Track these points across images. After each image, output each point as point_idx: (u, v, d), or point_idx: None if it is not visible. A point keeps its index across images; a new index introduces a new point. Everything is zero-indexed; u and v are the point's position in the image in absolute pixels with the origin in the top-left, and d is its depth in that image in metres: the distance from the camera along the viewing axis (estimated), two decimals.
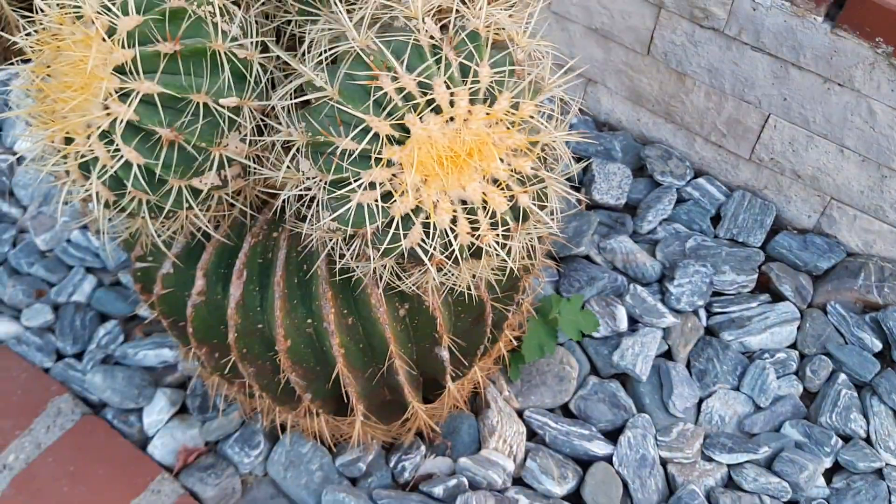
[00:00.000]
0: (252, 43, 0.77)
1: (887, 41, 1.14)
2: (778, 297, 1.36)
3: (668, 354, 1.30)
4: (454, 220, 0.75)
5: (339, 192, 0.73)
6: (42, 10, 0.81)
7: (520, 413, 1.21)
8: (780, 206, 1.43)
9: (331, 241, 0.79)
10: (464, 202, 0.75)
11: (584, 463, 1.18)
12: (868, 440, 1.22)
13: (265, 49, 0.80)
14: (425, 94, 0.70)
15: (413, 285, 0.82)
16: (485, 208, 0.75)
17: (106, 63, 0.75)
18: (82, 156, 0.78)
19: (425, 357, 0.95)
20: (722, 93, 1.36)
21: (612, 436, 1.21)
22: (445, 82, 0.70)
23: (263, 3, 0.81)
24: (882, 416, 1.23)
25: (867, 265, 1.36)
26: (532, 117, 0.75)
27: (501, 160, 0.74)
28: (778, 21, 1.22)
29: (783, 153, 1.36)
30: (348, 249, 0.80)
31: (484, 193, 0.75)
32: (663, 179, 1.46)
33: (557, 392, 1.23)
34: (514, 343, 1.15)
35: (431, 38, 0.72)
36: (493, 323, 0.96)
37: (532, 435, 1.20)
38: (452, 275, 0.79)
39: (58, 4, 0.80)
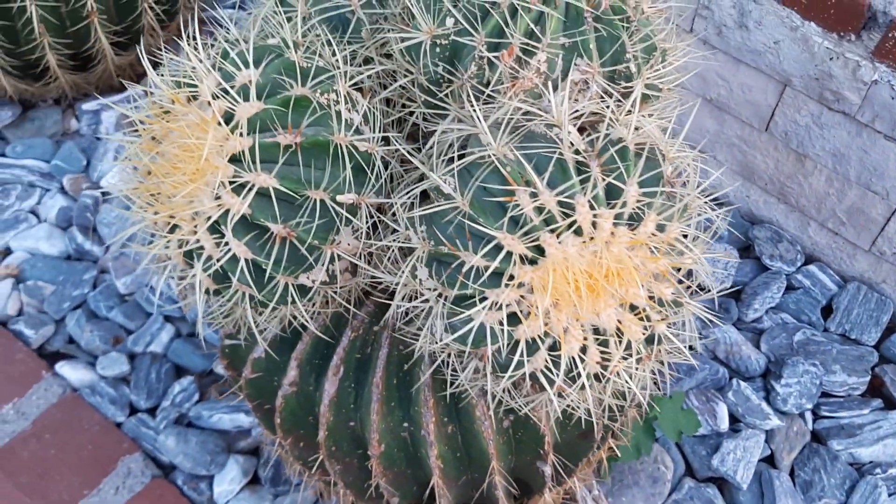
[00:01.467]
0: (374, 136, 0.71)
1: None
2: (892, 404, 1.25)
3: (770, 459, 1.20)
4: (584, 349, 0.68)
5: (460, 310, 0.66)
6: (155, 85, 0.76)
7: None
8: None
9: (442, 352, 0.73)
10: (595, 328, 0.68)
11: None
12: None
13: (386, 141, 0.74)
14: (566, 214, 0.63)
15: (525, 405, 0.75)
16: (618, 336, 0.68)
17: (220, 150, 0.70)
18: (186, 243, 0.73)
19: (524, 468, 0.88)
20: (846, 179, 1.26)
21: None
22: (590, 202, 0.64)
23: (386, 89, 0.76)
24: None
25: None
26: (677, 239, 0.68)
27: (642, 286, 0.67)
28: None
29: None
30: (461, 365, 0.74)
31: (619, 321, 0.68)
32: (772, 264, 1.36)
33: (650, 494, 1.15)
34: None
35: (576, 151, 0.66)
36: (600, 437, 0.88)
37: None
38: (572, 399, 0.72)
39: (174, 81, 0.76)
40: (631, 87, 0.71)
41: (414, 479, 0.88)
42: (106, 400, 1.18)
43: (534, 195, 0.63)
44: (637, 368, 0.70)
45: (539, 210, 0.64)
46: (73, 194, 1.40)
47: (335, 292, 0.75)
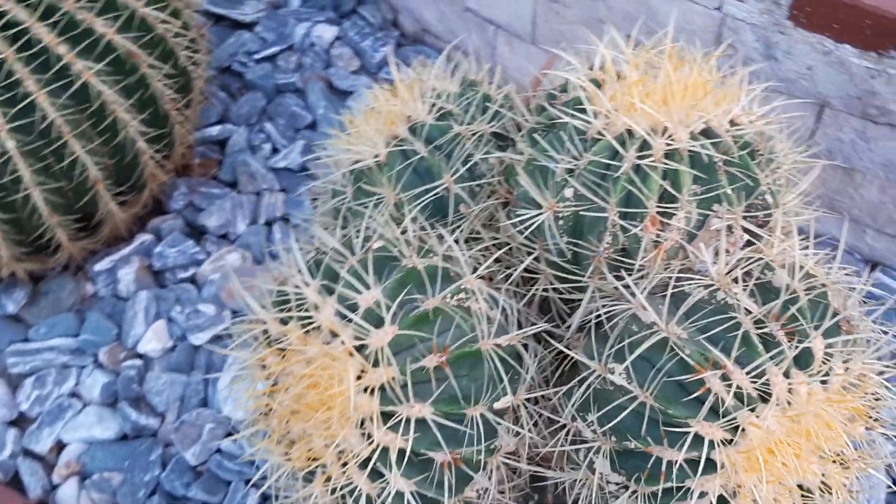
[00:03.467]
0: (520, 332, 0.66)
1: None
2: None
3: None
4: None
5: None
6: (262, 320, 0.70)
7: None
8: None
9: None
10: (800, 486, 0.64)
11: None
12: None
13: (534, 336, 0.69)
14: (763, 391, 0.59)
15: None
16: (823, 490, 0.64)
17: (358, 383, 0.64)
18: (336, 488, 0.67)
19: None
20: None
21: None
22: (786, 373, 0.59)
23: (508, 268, 0.70)
24: None
25: None
26: (863, 375, 0.64)
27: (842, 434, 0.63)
28: None
29: None
30: None
31: (823, 475, 0.63)
32: None
33: None
34: None
35: (748, 312, 0.61)
36: None
37: None
38: None
39: (277, 309, 0.70)
40: (771, 218, 0.67)
41: None
42: None
43: (725, 378, 0.59)
44: None
45: (729, 389, 0.59)
46: (112, 367, 1.32)
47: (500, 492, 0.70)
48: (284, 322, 0.68)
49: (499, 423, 0.65)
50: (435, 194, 0.72)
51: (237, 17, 1.74)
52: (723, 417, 0.59)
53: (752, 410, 0.59)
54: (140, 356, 1.33)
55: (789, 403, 0.60)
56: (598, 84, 0.68)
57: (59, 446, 1.27)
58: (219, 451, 1.23)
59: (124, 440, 1.27)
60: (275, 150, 1.57)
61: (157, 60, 1.26)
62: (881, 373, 0.65)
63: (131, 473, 1.21)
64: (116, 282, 1.40)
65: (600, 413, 0.63)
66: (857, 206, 1.31)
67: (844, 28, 1.12)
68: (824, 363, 0.61)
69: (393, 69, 0.81)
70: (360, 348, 0.64)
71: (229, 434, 1.24)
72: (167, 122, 1.31)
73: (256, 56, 1.68)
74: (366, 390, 0.64)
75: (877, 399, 0.66)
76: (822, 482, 0.64)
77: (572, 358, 0.68)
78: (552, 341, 0.67)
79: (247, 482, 1.21)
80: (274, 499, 0.76)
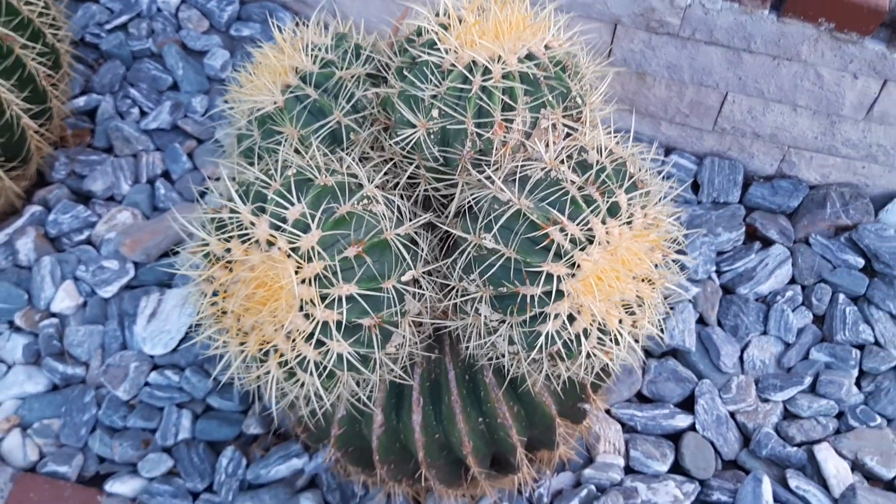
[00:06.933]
0: (413, 223, 0.88)
1: (829, 19, 1.34)
2: (767, 242, 1.58)
3: (700, 320, 1.50)
4: (620, 321, 0.89)
5: (532, 329, 0.86)
6: (203, 239, 0.87)
7: (608, 411, 1.39)
8: (745, 162, 1.65)
9: (513, 360, 0.92)
10: (623, 303, 0.90)
11: (674, 436, 1.39)
12: (878, 343, 1.47)
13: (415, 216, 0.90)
14: (589, 235, 0.84)
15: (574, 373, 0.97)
16: (638, 303, 0.90)
17: (297, 276, 0.84)
18: (286, 362, 0.87)
19: (568, 412, 1.11)
20: (682, 83, 1.54)
21: (684, 405, 1.41)
22: (602, 220, 0.84)
23: (397, 175, 0.91)
24: (883, 321, 1.48)
25: (829, 194, 1.59)
26: (656, 217, 0.90)
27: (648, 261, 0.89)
28: (728, 19, 1.39)
29: (743, 121, 1.56)
30: (517, 363, 0.94)
31: (637, 292, 0.90)
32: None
33: (630, 384, 1.42)
34: None
35: (572, 182, 0.85)
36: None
37: (623, 426, 1.39)
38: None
39: (218, 230, 0.87)
40: (582, 115, 0.91)
41: (489, 455, 1.09)
42: (167, 496, 1.29)
43: (563, 230, 0.83)
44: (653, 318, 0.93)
45: (566, 237, 0.84)
46: (29, 329, 1.43)
47: (417, 345, 0.92)
48: (227, 241, 0.86)
49: (406, 291, 0.87)
50: (329, 127, 0.92)
51: None
52: (563, 258, 0.83)
53: (583, 250, 0.83)
54: (55, 315, 1.45)
55: (608, 242, 0.85)
56: (445, 27, 0.89)
57: None
58: (147, 384, 1.39)
59: (56, 391, 1.40)
60: (143, 113, 1.69)
61: (29, 41, 1.35)
62: (671, 215, 0.91)
63: (70, 417, 1.35)
64: (16, 253, 1.49)
65: (479, 270, 0.86)
66: (652, 103, 1.60)
67: None
68: (628, 211, 0.87)
69: (275, 31, 0.98)
70: (294, 250, 0.83)
71: (154, 368, 1.40)
72: (46, 98, 1.41)
73: (108, 26, 1.77)
74: (304, 281, 0.83)
75: (668, 234, 0.93)
76: (638, 297, 0.90)
77: (453, 236, 0.90)
78: (438, 224, 0.89)
79: (178, 406, 1.38)
80: (237, 381, 0.94)
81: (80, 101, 1.67)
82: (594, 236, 0.84)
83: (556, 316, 0.85)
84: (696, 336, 1.46)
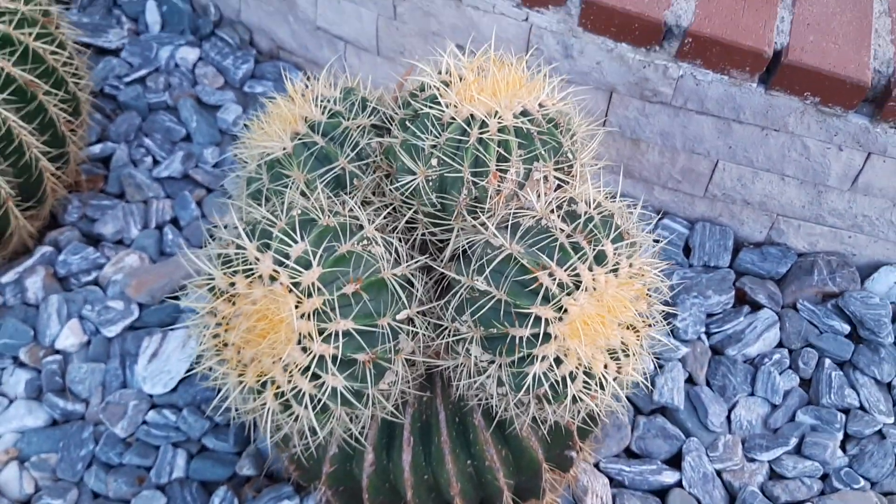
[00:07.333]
0: (409, 264, 0.92)
1: (814, 93, 1.41)
2: (756, 306, 1.62)
3: (689, 380, 1.53)
4: (605, 366, 0.93)
5: (520, 370, 0.90)
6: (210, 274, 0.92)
7: (596, 465, 1.42)
8: (736, 228, 1.70)
9: (501, 401, 0.96)
10: (608, 349, 0.93)
11: (660, 492, 1.40)
12: (863, 408, 1.50)
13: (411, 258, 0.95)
14: (576, 281, 0.88)
15: (560, 416, 1.00)
16: (623, 350, 0.94)
17: (297, 311, 0.88)
18: (282, 394, 0.90)
19: (556, 460, 1.14)
20: (674, 150, 1.60)
21: (672, 462, 1.44)
22: (588, 267, 0.89)
23: (395, 221, 0.96)
24: (868, 386, 1.51)
25: (817, 262, 1.64)
26: (641, 267, 0.95)
27: (633, 309, 0.93)
28: (719, 91, 1.46)
29: (733, 188, 1.62)
30: (504, 405, 0.97)
31: (622, 339, 0.94)
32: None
33: (619, 439, 1.44)
34: None
35: (561, 230, 0.90)
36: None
37: (611, 480, 1.41)
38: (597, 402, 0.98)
39: (224, 266, 0.92)
40: (572, 169, 0.97)
41: (477, 500, 1.11)
42: None
43: (551, 275, 0.88)
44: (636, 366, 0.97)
45: (555, 282, 0.88)
46: (33, 365, 1.47)
47: (408, 386, 0.96)
48: (232, 275, 0.90)
49: (401, 329, 0.91)
50: (334, 173, 0.97)
51: (103, 45, 1.90)
52: (551, 301, 0.87)
53: (570, 295, 0.88)
54: (59, 352, 1.49)
55: (594, 288, 0.89)
56: (446, 84, 0.95)
57: None
58: (145, 422, 1.42)
59: (55, 426, 1.42)
60: (156, 162, 1.75)
61: (52, 88, 1.43)
62: (655, 266, 0.96)
63: (67, 451, 1.38)
64: (24, 291, 1.54)
65: (470, 311, 0.90)
66: (645, 168, 1.66)
67: (620, 30, 1.46)
68: (614, 260, 0.91)
69: (288, 84, 1.05)
70: (295, 286, 0.88)
71: (153, 407, 1.43)
72: (64, 142, 1.48)
73: (126, 79, 1.85)
74: (303, 316, 0.88)
75: (654, 285, 0.97)
76: (623, 344, 0.94)
77: (447, 279, 0.95)
78: (434, 266, 0.94)
79: (174, 445, 1.40)
80: (234, 412, 0.97)
81: (96, 149, 1.74)
82: (581, 282, 0.88)
83: (544, 358, 0.89)
84: (684, 394, 1.49)
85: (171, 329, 1.50)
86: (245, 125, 1.17)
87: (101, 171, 1.73)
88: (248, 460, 1.38)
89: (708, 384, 1.53)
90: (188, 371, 1.45)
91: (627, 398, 1.50)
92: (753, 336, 1.56)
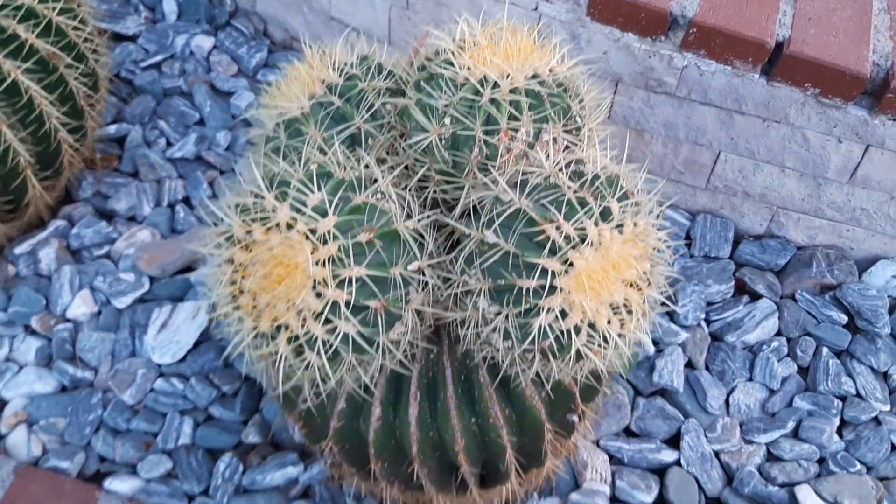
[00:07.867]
0: (421, 217, 0.95)
1: (814, 85, 1.45)
2: (755, 296, 1.65)
3: (689, 364, 1.56)
4: (609, 322, 0.96)
5: (526, 321, 0.92)
6: (229, 223, 0.95)
7: (596, 443, 1.44)
8: (736, 220, 1.73)
9: (507, 355, 0.98)
10: (611, 305, 0.96)
11: (659, 471, 1.42)
12: (859, 395, 1.52)
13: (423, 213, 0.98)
14: (582, 235, 0.91)
15: (563, 372, 1.02)
16: (626, 307, 0.97)
17: (312, 257, 0.91)
18: (296, 336, 0.93)
19: (559, 421, 1.16)
20: (677, 141, 1.64)
21: (671, 443, 1.46)
22: (595, 223, 0.92)
23: (409, 178, 0.99)
24: (864, 375, 1.54)
25: (815, 255, 1.67)
26: (645, 229, 0.98)
27: (636, 268, 0.96)
28: (722, 81, 1.50)
29: (734, 180, 1.66)
30: (510, 360, 1.00)
31: (626, 296, 0.96)
32: None
33: (619, 418, 1.46)
34: None
35: (569, 187, 0.93)
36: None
37: (610, 457, 1.43)
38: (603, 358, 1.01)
39: (242, 214, 0.95)
40: (580, 133, 1.00)
41: (482, 458, 1.13)
42: (164, 496, 1.32)
43: (558, 228, 0.91)
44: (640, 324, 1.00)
45: (561, 236, 0.91)
46: (44, 332, 1.49)
47: (418, 338, 0.99)
48: (250, 223, 0.93)
49: (412, 280, 0.94)
50: (349, 131, 1.01)
51: (121, 31, 1.94)
52: (557, 254, 0.90)
53: (575, 248, 0.91)
54: (69, 321, 1.51)
55: (600, 243, 0.92)
56: (461, 48, 0.99)
57: (2, 404, 1.43)
58: (152, 390, 1.44)
59: (64, 392, 1.45)
60: (169, 144, 1.79)
61: (73, 61, 1.46)
62: (659, 228, 0.99)
63: (75, 416, 1.40)
64: (38, 262, 1.57)
65: (479, 262, 0.93)
66: (649, 159, 1.70)
67: (627, 20, 1.50)
68: (619, 218, 0.95)
69: (305, 48, 1.08)
70: (312, 232, 0.91)
71: (161, 376, 1.45)
72: (82, 116, 1.51)
73: (143, 64, 1.89)
74: (318, 262, 0.91)
75: (655, 248, 1.00)
76: (626, 301, 0.97)
77: (457, 236, 0.98)
78: (445, 220, 0.97)
79: (181, 412, 1.42)
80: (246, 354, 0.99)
81: (112, 129, 1.77)
82: (587, 236, 0.91)
83: (549, 310, 0.92)
84: (684, 378, 1.51)
85: (181, 302, 1.53)
86: (267, 80, 1.20)
87: (116, 151, 1.76)
88: (254, 429, 1.40)
89: (707, 369, 1.55)
90: (197, 343, 1.47)
91: (627, 380, 1.52)
92: (752, 324, 1.59)
